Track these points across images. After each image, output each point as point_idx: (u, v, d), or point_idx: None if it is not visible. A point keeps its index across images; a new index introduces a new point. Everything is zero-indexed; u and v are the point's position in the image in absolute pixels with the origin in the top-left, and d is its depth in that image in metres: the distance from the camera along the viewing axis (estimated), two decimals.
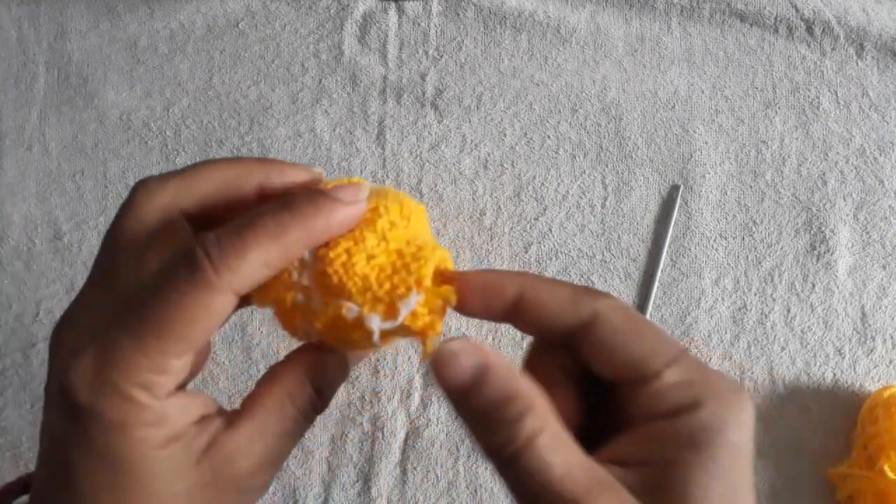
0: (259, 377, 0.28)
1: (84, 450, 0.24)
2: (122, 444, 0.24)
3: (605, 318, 0.25)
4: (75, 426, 0.24)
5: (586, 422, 0.26)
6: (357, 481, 0.53)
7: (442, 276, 0.26)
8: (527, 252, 0.56)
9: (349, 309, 0.25)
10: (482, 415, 0.23)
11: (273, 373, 0.28)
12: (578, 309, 0.25)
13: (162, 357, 0.24)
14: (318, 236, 0.26)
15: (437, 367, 0.24)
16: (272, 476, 0.28)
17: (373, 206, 0.27)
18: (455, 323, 0.54)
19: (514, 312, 0.26)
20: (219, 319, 0.25)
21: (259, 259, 0.24)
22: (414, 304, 0.25)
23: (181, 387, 0.26)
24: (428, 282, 0.25)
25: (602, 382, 0.26)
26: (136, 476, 0.24)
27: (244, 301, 0.26)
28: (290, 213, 0.25)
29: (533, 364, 0.27)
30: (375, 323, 0.25)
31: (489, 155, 0.58)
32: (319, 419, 0.54)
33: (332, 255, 0.25)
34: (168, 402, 0.25)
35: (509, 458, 0.23)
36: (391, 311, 0.25)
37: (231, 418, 0.27)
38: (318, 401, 0.28)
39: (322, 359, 0.28)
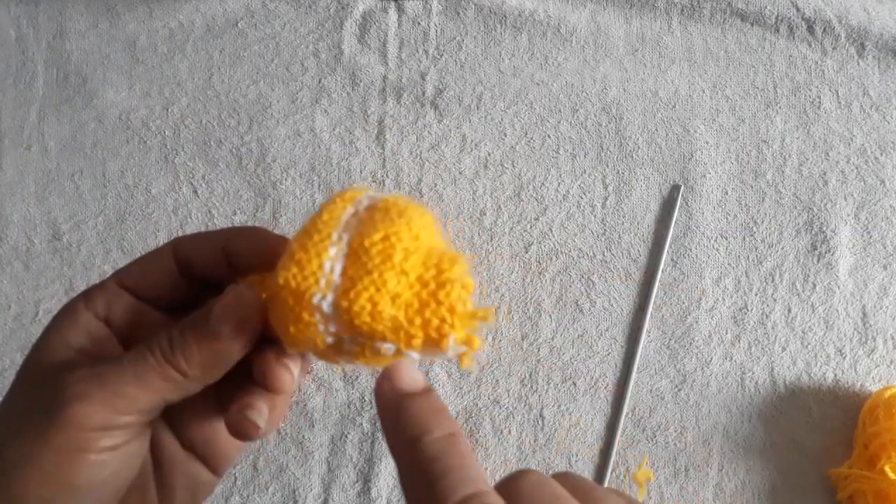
0: None
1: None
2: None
3: None
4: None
5: None
6: (357, 482, 0.53)
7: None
8: (527, 252, 0.56)
9: (386, 348, 0.25)
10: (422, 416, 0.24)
11: None
12: None
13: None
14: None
15: (394, 375, 0.24)
16: None
17: (382, 236, 0.25)
18: None
19: None
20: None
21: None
22: (454, 343, 0.25)
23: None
24: (459, 307, 0.25)
25: None
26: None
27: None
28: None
29: None
30: (415, 356, 0.25)
31: (489, 155, 0.58)
32: (320, 419, 0.54)
33: (355, 308, 0.24)
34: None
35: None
36: (429, 342, 0.25)
37: None
38: None
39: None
